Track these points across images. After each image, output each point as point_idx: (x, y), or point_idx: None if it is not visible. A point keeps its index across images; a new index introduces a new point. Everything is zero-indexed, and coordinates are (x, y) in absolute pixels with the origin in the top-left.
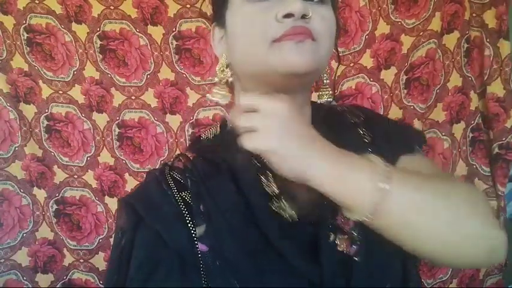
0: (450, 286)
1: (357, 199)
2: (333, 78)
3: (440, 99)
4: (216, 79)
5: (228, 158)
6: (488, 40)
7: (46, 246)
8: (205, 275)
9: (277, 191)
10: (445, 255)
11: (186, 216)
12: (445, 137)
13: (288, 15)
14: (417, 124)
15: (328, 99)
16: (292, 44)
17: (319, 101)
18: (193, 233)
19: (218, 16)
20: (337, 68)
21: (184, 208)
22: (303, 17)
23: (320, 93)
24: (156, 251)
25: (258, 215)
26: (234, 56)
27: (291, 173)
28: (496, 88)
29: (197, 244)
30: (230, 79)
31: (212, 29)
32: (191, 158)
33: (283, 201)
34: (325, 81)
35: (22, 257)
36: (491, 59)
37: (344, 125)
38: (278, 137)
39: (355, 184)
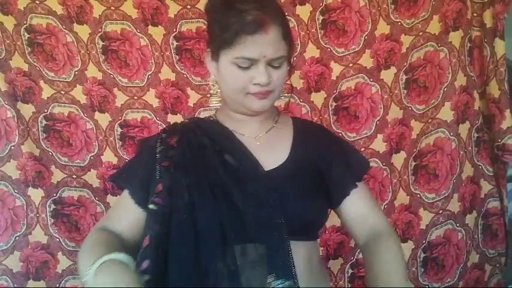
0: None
1: None
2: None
3: (448, 98)
4: (212, 91)
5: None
6: (485, 40)
7: (39, 251)
8: (160, 175)
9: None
10: None
11: (158, 143)
12: (453, 137)
13: (257, 84)
14: (415, 125)
15: (285, 99)
16: (257, 99)
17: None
18: (159, 153)
19: (213, 51)
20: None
21: (160, 141)
22: (267, 83)
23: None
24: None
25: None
26: (221, 85)
27: None
28: (492, 88)
29: (159, 156)
30: (218, 90)
31: (206, 52)
32: (185, 123)
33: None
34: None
35: (14, 262)
36: (487, 59)
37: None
38: None
39: None
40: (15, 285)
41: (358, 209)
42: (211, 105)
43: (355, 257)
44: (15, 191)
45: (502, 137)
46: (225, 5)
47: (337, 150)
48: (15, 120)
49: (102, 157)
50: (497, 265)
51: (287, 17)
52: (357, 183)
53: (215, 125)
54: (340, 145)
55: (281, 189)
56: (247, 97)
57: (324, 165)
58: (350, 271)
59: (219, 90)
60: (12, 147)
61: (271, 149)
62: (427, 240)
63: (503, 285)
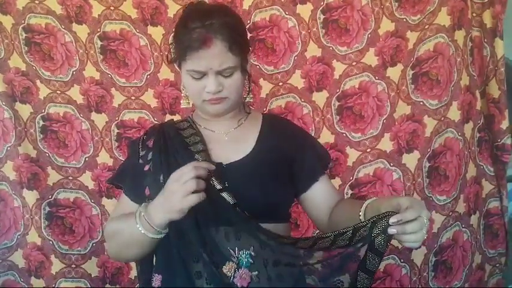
0: None
1: None
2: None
3: (455, 97)
4: (182, 94)
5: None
6: (485, 40)
7: (35, 251)
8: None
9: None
10: None
11: (140, 147)
12: (460, 137)
13: (209, 91)
14: (428, 122)
15: (250, 100)
16: (211, 105)
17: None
18: (141, 158)
19: (177, 62)
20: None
21: (141, 144)
22: (216, 91)
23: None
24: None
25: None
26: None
27: None
28: (491, 89)
29: (142, 161)
30: (187, 93)
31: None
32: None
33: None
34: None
35: (19, 258)
36: (487, 59)
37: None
38: None
39: None
40: (22, 280)
41: (325, 192)
42: (182, 106)
43: None
44: (13, 192)
45: (501, 137)
46: (181, 23)
47: (304, 141)
48: (13, 121)
49: (97, 158)
50: (497, 265)
51: (292, 17)
52: (324, 171)
53: (188, 124)
54: (306, 137)
55: (242, 177)
56: (204, 103)
57: (292, 154)
58: None
59: (188, 94)
60: (9, 148)
61: (238, 143)
62: (438, 243)
63: (503, 285)
